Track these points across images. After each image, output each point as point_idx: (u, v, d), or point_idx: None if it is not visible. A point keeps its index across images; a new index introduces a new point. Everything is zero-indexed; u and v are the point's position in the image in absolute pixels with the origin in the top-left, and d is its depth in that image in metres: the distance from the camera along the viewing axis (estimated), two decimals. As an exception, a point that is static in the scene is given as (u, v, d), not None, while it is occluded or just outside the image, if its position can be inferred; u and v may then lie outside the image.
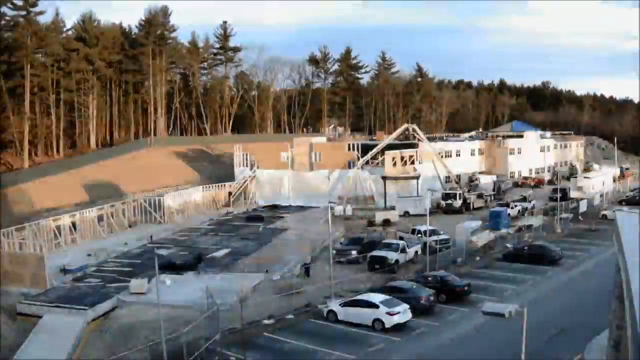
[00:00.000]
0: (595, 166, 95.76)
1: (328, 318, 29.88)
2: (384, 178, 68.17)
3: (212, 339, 26.42)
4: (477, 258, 43.27)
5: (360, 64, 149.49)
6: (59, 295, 34.14)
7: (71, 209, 60.17)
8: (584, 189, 69.45)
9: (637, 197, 64.95)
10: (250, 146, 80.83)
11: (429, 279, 34.04)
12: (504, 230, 51.06)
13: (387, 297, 29.30)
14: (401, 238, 45.33)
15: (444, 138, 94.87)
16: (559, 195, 59.71)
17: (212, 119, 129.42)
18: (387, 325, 28.03)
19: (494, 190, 73.44)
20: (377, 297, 29.38)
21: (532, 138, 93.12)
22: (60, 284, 37.24)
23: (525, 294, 33.80)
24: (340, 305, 29.97)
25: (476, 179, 77.74)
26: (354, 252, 42.66)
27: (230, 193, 73.22)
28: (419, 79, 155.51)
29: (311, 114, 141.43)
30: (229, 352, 25.93)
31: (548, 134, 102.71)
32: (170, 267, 39.10)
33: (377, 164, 72.53)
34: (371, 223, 57.06)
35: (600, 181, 73.45)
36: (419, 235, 45.93)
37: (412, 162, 72.43)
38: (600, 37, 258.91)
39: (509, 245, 46.13)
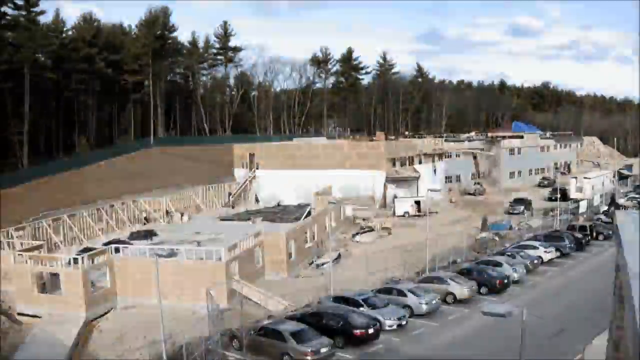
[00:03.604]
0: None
1: None
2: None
3: (212, 339, 26.40)
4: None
5: (361, 65, 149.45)
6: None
7: (71, 209, 60.07)
8: (584, 190, 69.34)
9: None
10: (250, 147, 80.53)
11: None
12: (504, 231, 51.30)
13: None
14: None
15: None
16: (558, 195, 59.66)
17: (212, 119, 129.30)
18: None
19: None
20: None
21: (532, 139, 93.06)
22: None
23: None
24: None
25: None
26: None
27: (230, 194, 73.09)
28: (420, 80, 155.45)
29: (311, 115, 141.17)
30: (229, 352, 25.93)
31: (548, 134, 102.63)
32: None
33: None
34: None
35: (599, 181, 73.43)
36: None
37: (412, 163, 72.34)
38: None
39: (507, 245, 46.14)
